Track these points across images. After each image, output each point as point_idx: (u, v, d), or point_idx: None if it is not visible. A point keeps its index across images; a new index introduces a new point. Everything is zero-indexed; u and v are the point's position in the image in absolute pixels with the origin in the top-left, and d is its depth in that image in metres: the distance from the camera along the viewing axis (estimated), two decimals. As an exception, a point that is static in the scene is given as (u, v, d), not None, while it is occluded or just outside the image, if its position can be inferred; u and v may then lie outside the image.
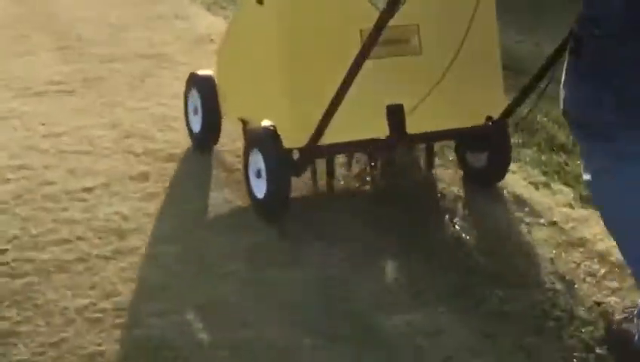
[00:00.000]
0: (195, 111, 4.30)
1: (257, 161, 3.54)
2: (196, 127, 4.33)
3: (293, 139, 3.42)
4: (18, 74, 4.39)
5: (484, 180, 3.97)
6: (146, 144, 4.30)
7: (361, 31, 3.33)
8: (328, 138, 3.36)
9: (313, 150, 3.42)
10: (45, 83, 4.29)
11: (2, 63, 4.94)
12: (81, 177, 3.87)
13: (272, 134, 3.48)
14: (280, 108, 3.51)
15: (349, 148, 3.67)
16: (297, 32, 3.45)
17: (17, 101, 4.13)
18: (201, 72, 4.30)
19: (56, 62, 4.62)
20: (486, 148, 3.86)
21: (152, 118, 4.57)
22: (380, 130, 3.50)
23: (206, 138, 4.33)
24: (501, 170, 3.92)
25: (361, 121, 3.44)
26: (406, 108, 3.48)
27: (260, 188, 3.56)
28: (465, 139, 3.91)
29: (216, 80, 4.15)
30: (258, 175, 3.55)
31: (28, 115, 4.11)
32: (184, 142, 4.32)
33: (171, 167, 4.08)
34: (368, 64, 3.16)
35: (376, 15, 3.05)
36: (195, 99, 4.29)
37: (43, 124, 4.00)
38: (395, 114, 3.49)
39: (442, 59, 3.46)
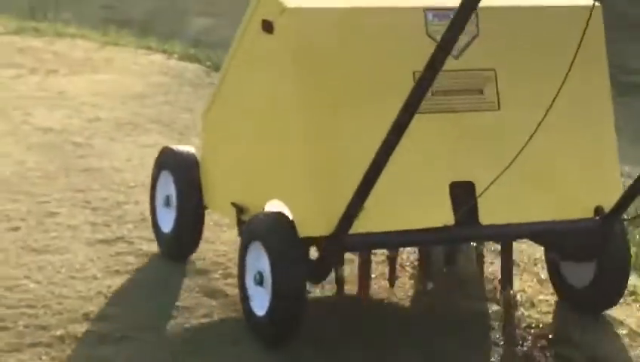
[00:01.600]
0: (167, 203, 3.08)
1: (259, 260, 2.50)
2: (167, 225, 3.09)
3: (314, 225, 2.41)
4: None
5: (588, 305, 2.84)
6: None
7: (414, 73, 2.38)
8: (363, 226, 2.38)
9: (342, 242, 2.40)
10: None
11: None
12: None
13: (281, 221, 2.47)
14: (296, 181, 2.50)
15: (395, 240, 2.54)
16: (323, 75, 2.46)
17: None
18: (177, 148, 3.17)
19: None
20: (592, 257, 2.73)
21: None
22: (441, 216, 2.49)
23: (182, 241, 3.07)
24: (615, 291, 2.80)
25: (413, 204, 2.48)
26: (478, 188, 2.51)
27: (261, 301, 2.50)
28: (562, 241, 2.75)
29: (199, 154, 3.05)
30: (260, 281, 2.51)
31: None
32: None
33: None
34: (423, 122, 2.38)
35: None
36: (167, 185, 3.09)
37: None
38: (463, 195, 2.51)
39: (530, 119, 2.47)
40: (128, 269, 2.98)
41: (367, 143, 2.27)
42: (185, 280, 2.93)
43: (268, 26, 2.50)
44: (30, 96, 4.61)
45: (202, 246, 3.08)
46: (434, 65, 2.06)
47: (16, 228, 3.25)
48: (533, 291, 2.99)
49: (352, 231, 2.35)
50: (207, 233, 3.10)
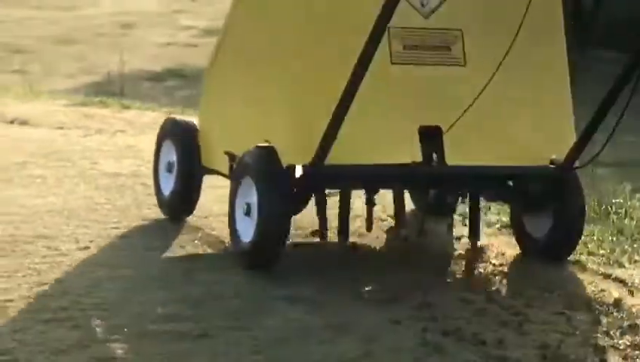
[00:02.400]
0: (169, 169, 3.35)
1: (247, 193, 2.76)
2: (168, 188, 3.35)
3: (295, 154, 2.71)
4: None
5: (549, 253, 3.03)
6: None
7: (389, 29, 2.60)
8: (337, 158, 2.65)
9: (319, 170, 2.68)
10: None
11: None
12: None
13: (268, 153, 2.73)
14: (280, 120, 2.81)
15: (365, 173, 2.81)
16: (308, 21, 2.79)
17: None
18: (178, 117, 3.53)
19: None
20: (549, 205, 2.97)
21: None
22: (410, 155, 2.74)
23: (182, 202, 3.34)
24: (571, 237, 3.02)
25: (385, 142, 2.73)
26: (445, 133, 2.77)
27: (248, 229, 2.78)
28: (522, 193, 2.99)
29: (199, 116, 3.36)
30: (247, 212, 2.78)
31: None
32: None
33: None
34: (396, 71, 2.74)
35: (409, 12, 2.70)
36: (169, 153, 3.35)
37: None
38: (431, 137, 2.73)
39: (495, 76, 2.78)
40: (202, 281, 2.85)
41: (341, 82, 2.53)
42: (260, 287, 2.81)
43: None
44: (98, 149, 4.60)
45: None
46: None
47: (86, 248, 3.14)
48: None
49: (327, 162, 2.64)
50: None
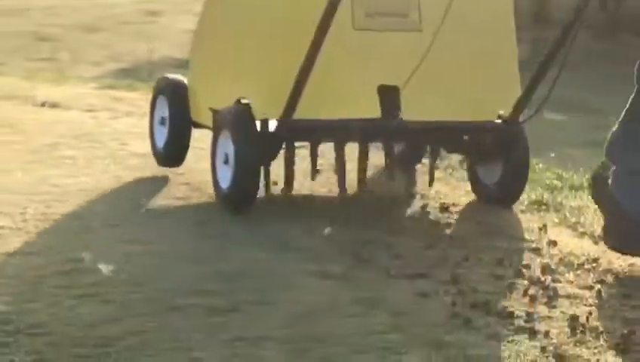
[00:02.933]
0: (162, 122, 3.63)
1: (225, 144, 3.07)
2: (162, 140, 3.65)
3: (267, 110, 3.02)
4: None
5: (498, 199, 3.32)
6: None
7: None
8: (303, 113, 2.96)
9: (288, 123, 2.99)
10: None
11: None
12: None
13: (243, 109, 3.02)
14: (255, 73, 3.13)
15: (330, 126, 3.08)
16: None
17: None
18: (171, 76, 3.77)
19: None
20: (499, 155, 3.25)
21: None
22: (370, 111, 3.03)
23: (173, 152, 3.64)
24: (518, 185, 3.30)
25: (347, 99, 3.01)
26: (402, 92, 3.06)
27: (226, 176, 3.10)
28: (474, 146, 3.28)
29: (188, 76, 3.60)
30: (225, 161, 3.10)
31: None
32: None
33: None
34: (358, 37, 3.06)
35: None
36: (162, 108, 3.64)
37: None
38: (389, 96, 3.03)
39: (445, 38, 3.05)
40: (233, 257, 2.84)
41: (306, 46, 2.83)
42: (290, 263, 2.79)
43: None
44: (127, 131, 4.58)
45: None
46: None
47: (117, 225, 3.14)
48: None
49: (295, 116, 2.96)
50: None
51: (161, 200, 3.47)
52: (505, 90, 3.19)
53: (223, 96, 3.16)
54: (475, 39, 3.16)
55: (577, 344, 2.30)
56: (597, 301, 2.58)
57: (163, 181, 3.69)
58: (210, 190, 3.35)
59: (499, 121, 3.18)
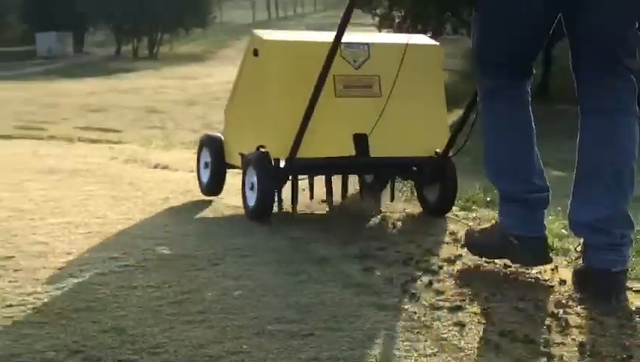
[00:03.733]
0: (206, 166, 4.10)
1: (251, 175, 3.56)
2: (205, 178, 4.13)
3: (279, 152, 3.47)
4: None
5: (437, 211, 3.75)
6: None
7: (334, 76, 3.45)
8: (303, 154, 3.41)
9: (292, 161, 3.43)
10: None
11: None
12: None
13: (263, 153, 3.54)
14: (270, 128, 3.60)
15: (320, 164, 3.58)
16: (282, 76, 3.59)
17: None
18: (210, 133, 4.37)
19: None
20: (436, 181, 3.69)
21: None
22: (347, 151, 3.55)
23: (214, 186, 4.12)
24: (449, 202, 3.73)
25: (332, 145, 3.53)
26: (370, 138, 3.55)
27: (250, 199, 3.61)
28: (420, 175, 3.73)
29: (223, 131, 4.10)
30: (252, 188, 3.57)
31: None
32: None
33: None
34: (340, 101, 3.54)
35: (346, 66, 3.54)
36: (205, 155, 4.11)
37: None
38: (361, 140, 3.54)
39: (398, 101, 3.57)
40: (308, 291, 2.81)
41: (303, 106, 3.29)
42: (353, 297, 2.74)
43: (255, 53, 3.62)
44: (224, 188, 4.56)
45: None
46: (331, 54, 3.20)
47: (217, 264, 3.14)
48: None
49: (297, 156, 3.40)
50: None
51: (255, 241, 3.46)
52: (438, 135, 3.66)
53: (247, 145, 3.67)
54: (416, 101, 3.66)
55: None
56: (600, 330, 2.50)
57: (255, 226, 3.69)
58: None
59: (435, 156, 3.62)
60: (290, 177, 3.56)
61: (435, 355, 2.26)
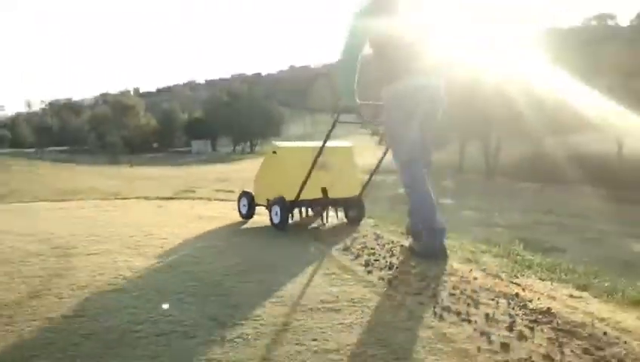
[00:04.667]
0: (244, 205, 6.50)
1: (275, 208, 5.88)
2: (244, 211, 6.51)
3: (290, 197, 5.81)
4: (294, 292, 3.86)
5: (353, 222, 6.26)
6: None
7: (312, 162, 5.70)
8: (300, 197, 5.79)
9: (297, 201, 5.82)
10: (316, 301, 3.68)
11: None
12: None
13: (282, 198, 5.85)
14: (286, 188, 5.86)
15: (309, 202, 5.99)
16: (289, 163, 5.96)
17: (291, 316, 3.46)
18: (246, 189, 6.63)
19: (326, 284, 4.04)
20: (354, 209, 6.28)
21: (420, 340, 3.20)
22: (318, 195, 5.95)
23: (248, 216, 6.50)
24: (361, 218, 6.33)
25: (312, 192, 5.86)
26: (329, 190, 5.99)
27: (276, 219, 5.87)
28: (347, 204, 6.25)
29: (252, 190, 6.42)
30: (276, 214, 5.86)
31: (300, 329, 3.29)
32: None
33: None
34: (316, 174, 5.71)
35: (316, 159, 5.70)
36: (244, 200, 6.52)
37: (314, 340, 3.16)
38: (325, 191, 5.97)
39: (338, 173, 6.09)
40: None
41: (301, 176, 5.69)
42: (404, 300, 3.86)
43: (274, 152, 6.13)
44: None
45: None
46: (318, 154, 5.64)
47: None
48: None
49: (299, 199, 5.79)
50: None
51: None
52: (356, 187, 6.28)
53: (271, 195, 6.03)
54: (345, 172, 6.16)
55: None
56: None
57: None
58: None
59: (356, 196, 6.19)
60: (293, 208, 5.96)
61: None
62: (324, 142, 5.45)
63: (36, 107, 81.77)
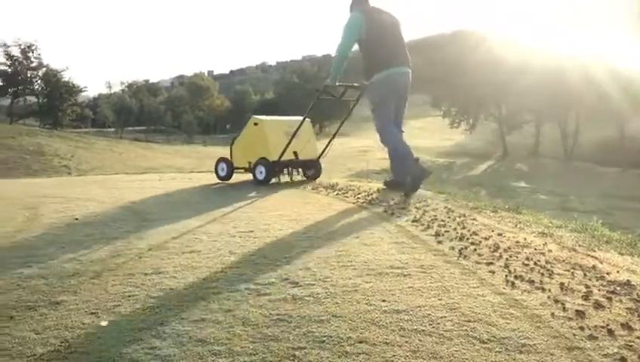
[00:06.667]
0: (222, 170, 7.86)
1: (260, 168, 7.31)
2: (222, 173, 7.87)
3: (272, 158, 7.24)
4: (364, 258, 3.87)
5: (312, 178, 7.74)
6: (491, 330, 2.88)
7: (286, 132, 7.47)
8: (281, 158, 7.30)
9: (279, 162, 7.29)
10: (386, 266, 3.68)
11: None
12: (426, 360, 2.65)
13: (265, 159, 7.30)
14: (266, 152, 7.37)
15: (286, 162, 7.45)
16: (270, 133, 7.43)
17: (360, 279, 3.47)
18: (222, 157, 8.00)
19: (395, 251, 4.01)
20: (313, 168, 7.83)
21: (491, 305, 3.14)
22: (291, 156, 7.43)
23: (226, 178, 7.85)
24: (318, 176, 7.85)
25: (287, 155, 7.35)
26: (299, 153, 7.53)
27: (260, 176, 7.29)
28: (307, 165, 7.74)
29: (231, 157, 7.82)
30: (260, 173, 7.29)
31: (370, 291, 3.30)
32: (535, 333, 2.88)
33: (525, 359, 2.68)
34: (294, 141, 7.30)
35: (290, 130, 7.44)
36: (222, 165, 7.87)
37: (383, 301, 3.18)
38: (296, 154, 7.46)
39: (306, 141, 7.60)
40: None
41: (279, 142, 7.37)
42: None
43: (255, 124, 7.59)
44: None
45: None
46: (300, 125, 7.48)
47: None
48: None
49: (280, 160, 7.33)
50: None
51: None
52: (316, 151, 7.81)
53: (252, 158, 7.52)
54: (309, 139, 7.68)
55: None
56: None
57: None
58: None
59: (315, 158, 7.75)
60: (276, 168, 7.40)
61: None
62: (306, 114, 7.41)
63: (116, 88, 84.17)
